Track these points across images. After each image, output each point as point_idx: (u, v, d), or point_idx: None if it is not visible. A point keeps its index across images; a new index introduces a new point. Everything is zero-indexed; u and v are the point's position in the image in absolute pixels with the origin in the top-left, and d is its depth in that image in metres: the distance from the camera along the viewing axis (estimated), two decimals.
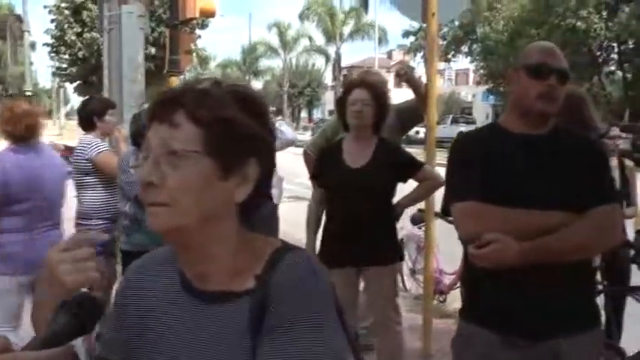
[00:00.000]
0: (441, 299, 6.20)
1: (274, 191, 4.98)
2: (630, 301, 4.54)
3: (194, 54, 23.46)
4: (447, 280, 6.24)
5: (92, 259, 1.19)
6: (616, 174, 4.62)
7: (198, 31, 24.45)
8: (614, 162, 4.75)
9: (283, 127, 5.19)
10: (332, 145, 4.05)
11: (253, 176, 1.20)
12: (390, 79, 17.95)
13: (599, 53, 35.86)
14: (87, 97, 5.28)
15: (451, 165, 2.40)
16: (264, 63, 66.25)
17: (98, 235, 4.19)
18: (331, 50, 55.18)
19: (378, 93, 3.92)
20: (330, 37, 53.24)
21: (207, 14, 8.37)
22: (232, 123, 1.17)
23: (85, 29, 25.18)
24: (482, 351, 2.28)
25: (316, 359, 1.09)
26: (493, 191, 2.19)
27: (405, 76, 4.76)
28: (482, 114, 47.98)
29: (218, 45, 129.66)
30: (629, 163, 4.87)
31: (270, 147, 1.24)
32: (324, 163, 4.00)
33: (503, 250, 2.11)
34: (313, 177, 4.10)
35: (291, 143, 5.30)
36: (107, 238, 4.36)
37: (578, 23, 30.79)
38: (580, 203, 2.18)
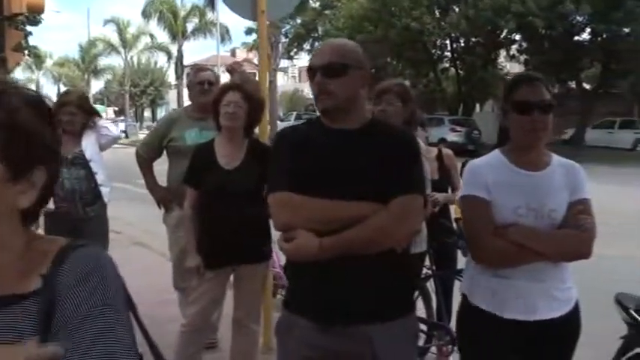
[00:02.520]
0: (282, 294, 6.27)
1: (103, 189, 4.86)
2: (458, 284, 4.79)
3: (26, 52, 22.27)
4: None
5: None
6: (435, 164, 4.90)
7: (29, 28, 23.21)
8: (434, 152, 5.04)
9: (107, 125, 5.11)
10: (204, 148, 4.01)
11: (39, 184, 1.18)
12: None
13: (434, 51, 37.61)
14: None
15: (272, 157, 2.48)
16: (104, 61, 64.14)
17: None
18: (174, 48, 54.29)
19: (250, 95, 3.98)
20: (173, 34, 52.33)
21: (35, 10, 7.98)
22: (26, 129, 1.14)
23: None
24: (301, 337, 2.35)
25: (104, 354, 1.09)
26: (305, 182, 2.26)
27: (235, 71, 4.79)
28: None
29: (56, 43, 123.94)
30: (447, 151, 5.15)
31: (57, 156, 1.23)
32: (197, 165, 3.96)
33: (304, 246, 2.19)
34: (186, 180, 4.03)
35: (115, 141, 5.30)
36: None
37: (412, 23, 32.11)
38: (386, 193, 2.27)
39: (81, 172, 4.83)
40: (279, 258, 5.69)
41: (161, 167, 5.07)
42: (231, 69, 4.88)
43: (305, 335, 2.35)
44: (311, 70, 2.38)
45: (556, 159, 2.72)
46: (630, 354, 3.84)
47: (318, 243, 2.19)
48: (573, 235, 2.55)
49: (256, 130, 4.32)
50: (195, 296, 3.95)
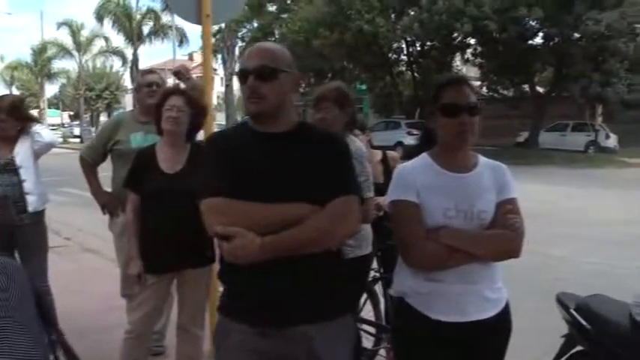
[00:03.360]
0: None
1: (29, 198, 4.79)
2: None
3: None
4: None
5: None
6: (380, 167, 4.93)
7: None
8: (378, 156, 5.07)
9: (40, 130, 5.03)
10: (145, 152, 3.97)
11: None
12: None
13: (390, 55, 37.88)
14: None
15: (202, 162, 2.46)
16: (58, 65, 63.06)
17: None
18: (131, 52, 53.67)
19: (194, 100, 3.97)
20: (129, 38, 51.74)
21: None
22: None
23: None
24: (238, 343, 2.34)
25: None
26: (238, 187, 2.25)
27: (182, 75, 4.77)
28: None
29: (8, 46, 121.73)
30: (392, 154, 5.18)
31: None
32: (138, 169, 3.92)
33: (246, 246, 2.17)
34: (127, 185, 3.97)
35: (51, 146, 5.19)
36: None
37: (366, 26, 32.27)
38: (321, 196, 2.28)
39: (13, 179, 4.77)
40: None
41: (108, 173, 5.01)
42: (177, 72, 4.86)
43: (242, 340, 2.33)
44: (243, 73, 2.37)
45: (483, 160, 2.75)
46: (571, 352, 3.92)
47: (259, 242, 2.18)
48: (503, 235, 2.59)
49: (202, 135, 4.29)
50: (137, 302, 3.91)
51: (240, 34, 42.59)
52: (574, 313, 3.78)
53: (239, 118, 46.61)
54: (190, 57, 62.52)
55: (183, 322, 4.02)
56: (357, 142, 3.90)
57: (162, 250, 3.76)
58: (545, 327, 4.43)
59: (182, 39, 49.64)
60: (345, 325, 2.48)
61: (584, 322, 3.69)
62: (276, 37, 41.59)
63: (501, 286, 2.71)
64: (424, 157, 2.74)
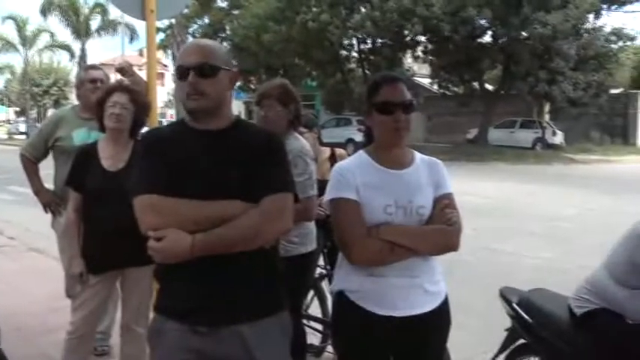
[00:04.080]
0: None
1: None
2: None
3: None
4: None
5: None
6: (327, 165, 4.94)
7: None
8: (326, 153, 5.07)
9: None
10: (87, 149, 3.89)
11: None
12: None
13: (341, 51, 37.97)
14: None
15: (136, 160, 2.46)
16: (2, 59, 61.64)
17: None
18: (78, 47, 52.68)
19: (137, 97, 3.92)
20: (76, 33, 50.80)
21: None
22: None
23: None
24: (173, 342, 2.32)
25: None
26: (171, 184, 2.24)
27: (126, 71, 4.70)
28: (234, 111, 48.61)
29: None
30: (340, 152, 5.19)
31: None
32: (79, 167, 3.85)
33: (175, 244, 2.16)
34: (68, 183, 3.89)
35: None
36: None
37: (311, 22, 32.28)
38: (255, 193, 2.28)
39: None
40: None
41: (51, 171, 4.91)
42: (121, 69, 4.78)
43: (177, 339, 2.32)
44: (182, 70, 2.35)
45: (419, 156, 2.80)
46: (514, 345, 3.99)
47: (190, 241, 2.17)
48: (442, 230, 2.63)
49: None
50: (79, 302, 3.84)
51: (190, 30, 42.14)
52: (516, 307, 3.85)
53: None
54: (140, 53, 61.64)
55: (126, 322, 3.97)
56: (301, 140, 3.90)
57: (105, 249, 3.70)
58: (491, 321, 4.50)
59: (132, 34, 49.04)
60: (281, 321, 2.47)
61: (525, 316, 3.76)
62: (227, 33, 41.34)
63: (441, 279, 2.76)
64: (361, 154, 2.78)
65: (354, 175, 2.65)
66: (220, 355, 2.32)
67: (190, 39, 41.68)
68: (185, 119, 2.46)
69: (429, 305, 2.67)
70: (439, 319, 2.73)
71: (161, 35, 43.65)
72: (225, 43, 42.27)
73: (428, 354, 2.77)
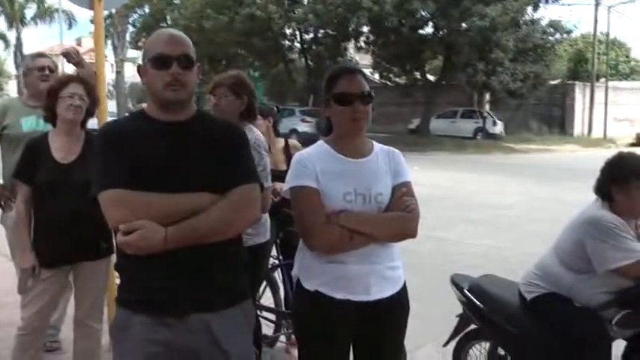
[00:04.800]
0: None
1: None
2: None
3: None
4: None
5: None
6: (282, 155, 4.95)
7: None
8: (281, 143, 5.07)
9: None
10: (37, 141, 3.79)
11: None
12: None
13: (283, 42, 37.89)
14: None
15: (97, 153, 2.37)
16: None
17: None
18: (14, 36, 51.11)
19: (91, 89, 3.87)
20: (11, 21, 49.30)
21: None
22: None
23: None
24: (140, 335, 2.30)
25: None
26: (138, 178, 2.21)
27: (73, 58, 4.60)
28: None
29: None
30: (294, 142, 5.20)
31: None
32: (29, 159, 3.74)
33: (149, 236, 2.14)
34: (17, 176, 3.79)
35: None
36: None
37: (258, 12, 32.14)
38: (222, 185, 2.29)
39: None
40: None
41: None
42: (67, 54, 4.66)
43: (144, 331, 2.30)
44: (165, 59, 2.32)
45: (377, 146, 2.86)
46: (466, 331, 4.08)
47: (163, 233, 2.16)
48: (400, 217, 2.69)
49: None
50: (31, 297, 3.75)
51: (131, 20, 41.46)
52: (467, 293, 3.94)
53: (131, 106, 45.49)
54: (79, 42, 60.28)
55: (81, 317, 3.90)
56: (255, 132, 3.90)
57: (57, 242, 3.63)
58: (441, 308, 4.59)
59: (71, 22, 47.84)
60: (245, 311, 2.49)
61: (477, 302, 3.85)
62: (168, 22, 40.75)
63: (399, 266, 2.81)
64: (321, 144, 2.81)
65: (313, 163, 2.68)
66: (187, 345, 2.32)
67: (131, 29, 41.09)
68: (145, 110, 2.43)
69: (388, 290, 2.72)
70: (398, 304, 2.78)
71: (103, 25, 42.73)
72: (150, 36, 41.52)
73: (388, 340, 2.81)
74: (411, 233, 2.71)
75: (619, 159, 3.55)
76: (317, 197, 2.62)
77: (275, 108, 5.20)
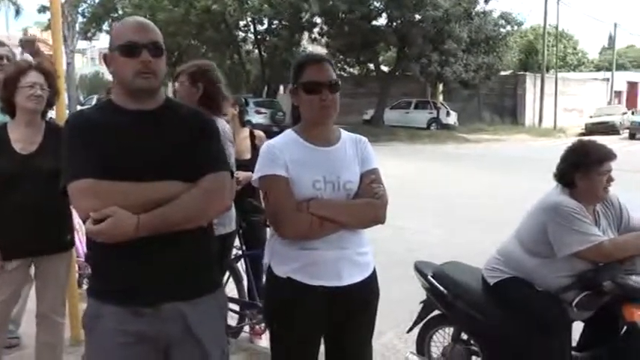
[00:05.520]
0: (88, 283, 6.03)
1: None
2: None
3: None
4: None
5: None
6: (247, 144, 4.96)
7: None
8: (245, 132, 5.09)
9: None
10: None
11: None
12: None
13: (237, 33, 37.66)
14: None
15: (65, 144, 2.32)
16: None
17: None
18: None
19: (52, 78, 3.79)
20: None
21: None
22: None
23: None
24: (112, 325, 2.28)
25: None
26: (109, 168, 2.19)
27: (28, 46, 4.52)
28: None
29: None
30: (259, 133, 5.21)
31: None
32: None
33: (120, 224, 2.12)
34: None
35: None
36: None
37: (214, 5, 31.87)
38: (193, 173, 2.29)
39: None
40: (83, 246, 5.48)
41: None
42: (24, 43, 4.58)
43: (116, 321, 2.28)
44: (134, 47, 2.29)
45: (345, 134, 2.88)
46: (430, 316, 4.14)
47: (135, 220, 2.14)
48: (368, 203, 2.72)
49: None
50: None
51: (80, 9, 40.63)
52: (431, 279, 3.99)
53: (81, 98, 44.72)
54: (25, 32, 58.95)
55: (43, 310, 3.82)
56: (220, 123, 3.89)
57: (19, 235, 3.56)
58: (401, 296, 4.64)
59: (18, 10, 46.68)
60: (218, 299, 2.51)
61: (441, 288, 3.91)
62: (119, 13, 40.10)
63: (368, 251, 2.84)
64: (290, 133, 2.82)
65: (282, 152, 2.69)
66: (161, 334, 2.32)
67: (80, 19, 40.29)
68: (112, 100, 2.40)
69: (358, 276, 2.75)
70: (369, 289, 2.82)
71: (47, 14, 41.89)
72: (116, 24, 40.89)
73: (360, 325, 2.85)
74: (380, 219, 2.74)
75: (582, 146, 3.64)
76: (287, 186, 2.63)
77: (242, 99, 5.22)
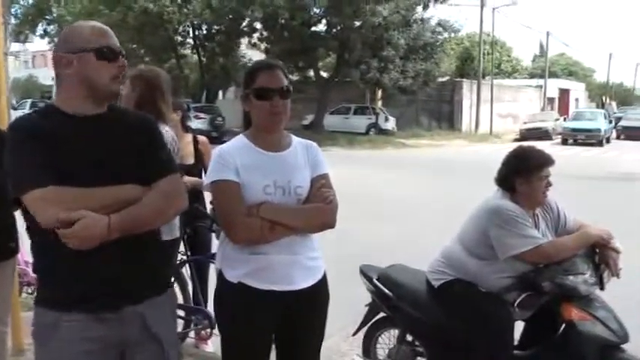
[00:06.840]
0: (29, 291, 5.91)
1: None
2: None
3: None
4: None
5: None
6: (190, 149, 4.95)
7: None
8: (188, 137, 5.07)
9: None
10: None
11: None
12: None
13: (175, 37, 37.29)
14: None
15: (13, 151, 2.22)
16: None
17: None
18: None
19: None
20: None
21: None
22: None
23: None
24: (74, 334, 2.25)
25: None
26: (64, 174, 2.16)
27: None
28: None
29: None
30: (202, 138, 5.21)
31: None
32: None
33: (93, 225, 2.11)
34: None
35: None
36: None
37: (151, 6, 31.52)
38: (147, 176, 2.31)
39: None
40: (23, 254, 5.35)
41: None
42: None
43: (78, 330, 2.24)
44: (112, 51, 2.33)
45: (296, 140, 2.93)
46: (375, 319, 4.20)
47: (107, 221, 2.13)
48: (319, 208, 2.77)
49: None
50: None
51: (12, 11, 39.61)
52: (376, 282, 4.06)
53: (14, 102, 43.46)
54: None
55: None
56: (164, 129, 3.88)
57: None
58: (347, 298, 4.68)
59: None
60: (171, 298, 2.57)
61: (386, 290, 3.98)
62: (54, 15, 39.25)
63: (319, 256, 2.89)
64: (241, 138, 2.85)
65: (233, 157, 2.72)
66: (122, 338, 2.31)
67: (13, 20, 39.22)
68: (56, 105, 2.35)
69: (310, 280, 2.79)
70: (319, 293, 2.86)
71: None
72: (51, 27, 40.10)
73: (310, 328, 2.89)
74: (330, 224, 2.79)
75: (522, 152, 3.76)
76: (237, 190, 2.66)
77: (185, 105, 5.21)
